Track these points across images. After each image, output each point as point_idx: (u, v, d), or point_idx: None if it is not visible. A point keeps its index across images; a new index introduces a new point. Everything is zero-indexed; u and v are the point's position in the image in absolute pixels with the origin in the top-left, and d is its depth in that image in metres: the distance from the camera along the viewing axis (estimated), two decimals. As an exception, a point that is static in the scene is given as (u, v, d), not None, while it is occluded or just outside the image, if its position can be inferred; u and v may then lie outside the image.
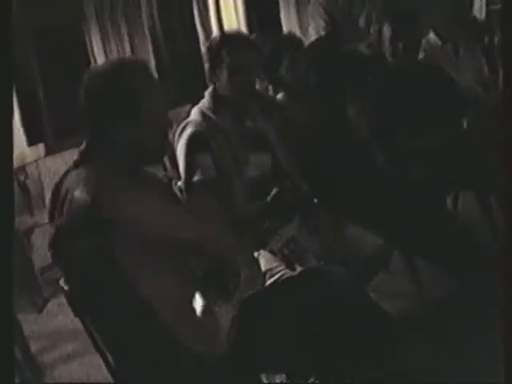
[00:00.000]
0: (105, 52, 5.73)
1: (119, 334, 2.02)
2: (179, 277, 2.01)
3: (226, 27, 6.89)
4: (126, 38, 5.89)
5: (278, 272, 2.63)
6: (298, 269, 2.71)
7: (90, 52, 5.70)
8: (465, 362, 2.77)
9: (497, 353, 1.78)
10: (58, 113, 5.43)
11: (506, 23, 1.89)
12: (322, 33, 4.82)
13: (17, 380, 1.68)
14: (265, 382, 2.48)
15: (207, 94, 3.02)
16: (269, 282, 2.48)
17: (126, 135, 2.08)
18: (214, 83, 2.98)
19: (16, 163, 4.86)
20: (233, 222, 2.32)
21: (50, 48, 5.56)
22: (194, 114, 3.00)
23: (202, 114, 2.96)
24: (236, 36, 3.02)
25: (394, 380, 2.19)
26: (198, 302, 2.03)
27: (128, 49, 5.91)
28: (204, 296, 2.05)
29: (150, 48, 6.14)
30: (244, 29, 7.04)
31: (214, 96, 2.98)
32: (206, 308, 2.04)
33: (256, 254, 2.80)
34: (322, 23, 4.86)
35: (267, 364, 2.22)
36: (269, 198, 2.44)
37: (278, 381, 2.62)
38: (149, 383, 2.06)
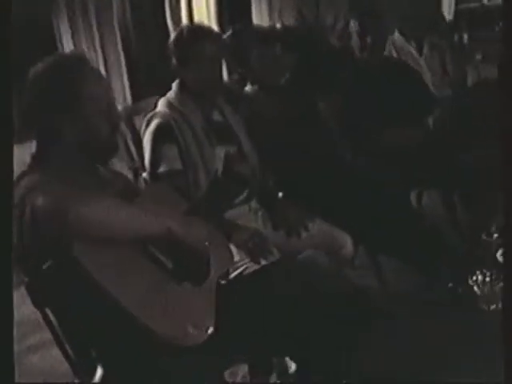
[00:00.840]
0: (74, 43, 5.63)
1: (82, 328, 1.96)
2: (148, 272, 1.94)
3: (196, 16, 6.84)
4: (95, 29, 5.80)
5: (243, 265, 2.59)
6: (263, 262, 2.67)
7: (58, 42, 5.60)
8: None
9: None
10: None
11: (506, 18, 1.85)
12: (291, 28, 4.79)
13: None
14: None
15: (174, 85, 2.97)
16: (233, 274, 2.43)
17: (72, 134, 2.02)
18: (181, 75, 2.92)
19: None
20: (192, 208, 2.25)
21: (20, 37, 5.45)
22: (161, 105, 2.95)
23: (169, 105, 2.91)
24: (201, 29, 2.98)
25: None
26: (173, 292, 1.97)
27: (97, 41, 5.83)
28: (178, 285, 1.99)
29: (119, 41, 6.05)
30: (215, 24, 6.99)
31: (181, 88, 2.93)
32: (181, 297, 1.98)
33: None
34: (290, 19, 4.84)
35: (238, 352, 2.14)
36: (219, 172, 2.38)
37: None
38: (112, 376, 2.00)
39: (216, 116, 3.00)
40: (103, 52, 5.92)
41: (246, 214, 2.94)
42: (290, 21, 4.85)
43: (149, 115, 2.92)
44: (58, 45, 5.61)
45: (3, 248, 1.66)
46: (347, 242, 2.94)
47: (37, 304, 2.01)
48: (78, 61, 2.08)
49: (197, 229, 2.04)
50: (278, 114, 3.31)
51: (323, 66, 3.92)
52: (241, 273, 2.51)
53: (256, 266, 2.59)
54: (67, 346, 2.06)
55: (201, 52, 2.84)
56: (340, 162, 3.34)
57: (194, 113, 2.90)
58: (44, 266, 1.83)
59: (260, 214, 3.00)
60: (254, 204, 3.01)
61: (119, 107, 5.78)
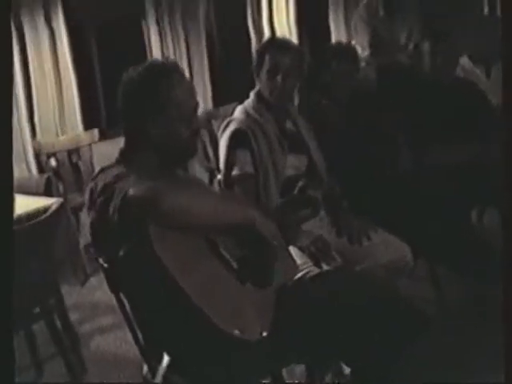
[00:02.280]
0: (161, 46, 5.77)
1: (152, 314, 2.00)
2: (214, 268, 1.97)
3: (278, 33, 6.89)
4: (181, 35, 5.92)
5: (305, 268, 2.60)
6: (325, 267, 2.68)
7: (147, 44, 5.75)
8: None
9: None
10: (114, 101, 5.46)
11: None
12: (365, 45, 4.76)
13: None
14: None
15: (252, 94, 2.99)
16: (296, 277, 2.43)
17: (156, 135, 2.08)
18: (259, 85, 2.95)
19: (71, 145, 4.96)
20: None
21: (109, 39, 5.62)
22: (238, 112, 2.98)
23: (246, 112, 2.94)
24: (279, 41, 2.99)
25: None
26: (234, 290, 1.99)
27: (183, 46, 5.95)
28: (242, 284, 2.00)
29: (205, 48, 6.16)
30: (295, 38, 7.04)
31: (258, 97, 2.95)
32: (242, 295, 2.00)
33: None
34: (365, 36, 4.81)
35: (295, 353, 2.14)
36: (295, 192, 2.39)
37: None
38: (177, 360, 2.03)
39: (289, 125, 3.02)
40: (188, 58, 6.04)
41: (312, 220, 2.94)
42: (363, 38, 4.81)
43: (226, 121, 2.97)
44: (147, 49, 5.74)
45: (3, 251, 1.63)
46: (407, 253, 2.90)
47: (113, 289, 2.07)
48: (169, 68, 2.12)
49: (272, 226, 2.08)
50: (347, 125, 3.30)
51: (394, 83, 3.89)
52: (302, 276, 2.52)
53: (317, 271, 2.60)
54: (138, 331, 2.10)
55: (273, 63, 2.85)
56: (403, 175, 3.31)
57: (269, 121, 2.92)
58: (121, 252, 1.88)
59: (325, 220, 3.00)
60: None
61: (200, 111, 5.88)
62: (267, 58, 2.87)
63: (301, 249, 2.73)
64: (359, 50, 4.79)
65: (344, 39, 6.89)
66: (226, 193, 2.34)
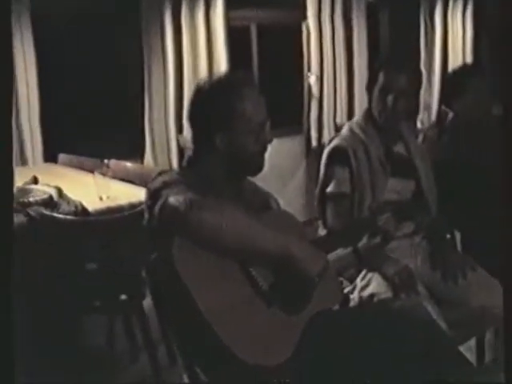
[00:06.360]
0: (321, 54, 5.85)
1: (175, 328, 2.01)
2: (239, 288, 1.90)
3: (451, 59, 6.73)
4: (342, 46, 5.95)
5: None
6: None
7: (305, 49, 5.89)
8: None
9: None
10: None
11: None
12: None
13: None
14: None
15: (362, 111, 2.90)
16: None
17: (223, 146, 2.05)
18: (370, 104, 2.83)
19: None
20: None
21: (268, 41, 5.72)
22: (345, 129, 2.88)
23: (351, 130, 2.84)
24: (396, 59, 2.85)
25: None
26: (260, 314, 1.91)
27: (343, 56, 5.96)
28: (267, 307, 1.92)
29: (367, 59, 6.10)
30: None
31: (367, 115, 2.84)
32: (266, 320, 1.92)
33: (370, 275, 2.67)
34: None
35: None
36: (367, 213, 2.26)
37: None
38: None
39: (398, 148, 2.87)
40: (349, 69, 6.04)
41: (406, 248, 2.78)
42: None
43: (332, 136, 2.91)
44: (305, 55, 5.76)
45: (3, 258, 1.59)
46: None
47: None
48: (240, 81, 2.11)
49: (315, 259, 1.97)
50: (472, 159, 3.08)
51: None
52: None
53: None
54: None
55: (385, 81, 2.72)
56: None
57: (374, 142, 2.79)
58: (151, 258, 1.90)
59: (421, 250, 2.83)
60: (417, 239, 2.86)
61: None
62: (381, 75, 2.75)
63: (385, 277, 2.62)
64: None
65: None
66: (278, 219, 2.22)
